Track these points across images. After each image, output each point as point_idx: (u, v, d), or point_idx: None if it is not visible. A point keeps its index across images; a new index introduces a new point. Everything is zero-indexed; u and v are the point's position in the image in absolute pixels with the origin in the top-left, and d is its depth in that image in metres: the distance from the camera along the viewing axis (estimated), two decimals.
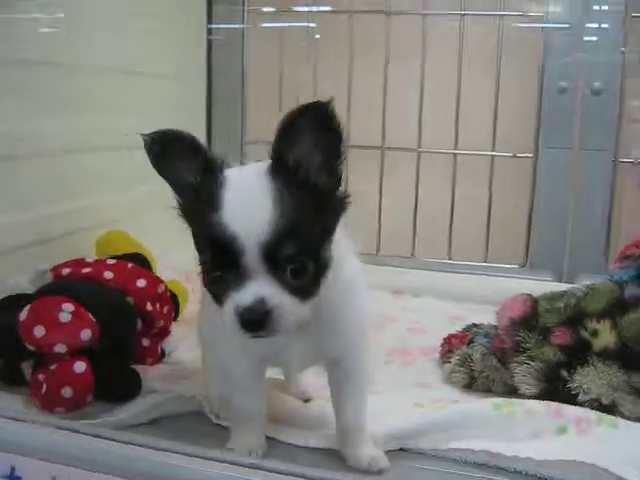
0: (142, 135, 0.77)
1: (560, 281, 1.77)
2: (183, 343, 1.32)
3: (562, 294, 1.18)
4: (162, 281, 1.21)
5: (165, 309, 1.23)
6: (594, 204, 1.76)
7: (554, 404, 1.00)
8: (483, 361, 1.20)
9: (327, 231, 0.78)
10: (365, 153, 1.92)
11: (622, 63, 1.67)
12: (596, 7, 1.66)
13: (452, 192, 1.88)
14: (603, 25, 1.67)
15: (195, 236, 0.79)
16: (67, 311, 0.98)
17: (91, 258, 1.25)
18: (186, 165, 0.78)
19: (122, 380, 1.04)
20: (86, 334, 0.99)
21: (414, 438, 0.97)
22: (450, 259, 1.90)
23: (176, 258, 1.50)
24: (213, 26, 1.99)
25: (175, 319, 1.35)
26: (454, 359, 1.25)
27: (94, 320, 1.00)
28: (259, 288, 0.73)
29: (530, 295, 1.22)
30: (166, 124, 1.81)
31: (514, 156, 1.85)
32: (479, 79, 1.84)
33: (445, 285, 1.75)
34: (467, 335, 1.31)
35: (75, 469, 0.78)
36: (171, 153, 0.78)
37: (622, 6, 1.65)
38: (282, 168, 0.75)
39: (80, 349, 0.99)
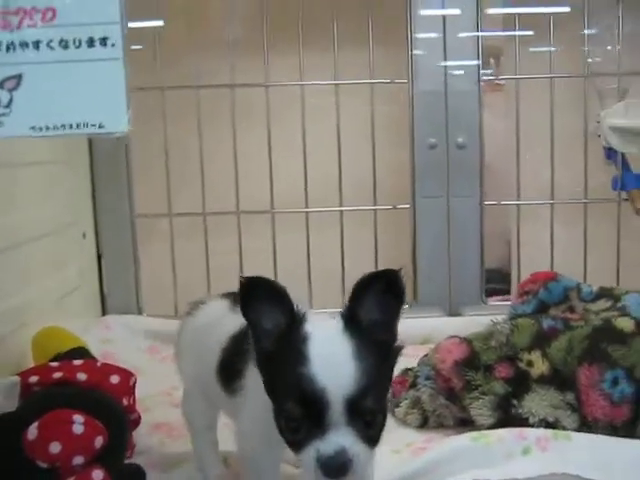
0: (240, 277, 0.82)
1: (446, 315, 2.00)
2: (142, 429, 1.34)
3: (490, 333, 1.36)
4: (132, 374, 1.23)
5: (132, 400, 1.24)
6: (467, 244, 2.01)
7: (516, 429, 1.17)
8: (432, 401, 1.36)
9: (389, 381, 0.88)
10: (256, 217, 2.03)
11: (479, 121, 1.96)
12: (455, 73, 1.92)
13: (341, 244, 2.04)
14: (462, 89, 1.93)
15: (273, 383, 0.84)
16: (79, 422, 0.98)
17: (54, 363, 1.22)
18: (272, 312, 0.83)
19: (130, 478, 1.05)
20: (99, 442, 0.99)
21: None
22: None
23: None
24: None
25: None
26: (404, 403, 1.39)
27: (103, 426, 1.01)
28: (340, 439, 0.78)
29: (460, 337, 1.40)
30: (52, 208, 1.75)
31: (394, 208, 2.05)
32: (357, 143, 2.02)
33: None
34: (406, 379, 1.45)
35: None
36: (261, 298, 0.83)
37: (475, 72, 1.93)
38: (356, 326, 0.82)
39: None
